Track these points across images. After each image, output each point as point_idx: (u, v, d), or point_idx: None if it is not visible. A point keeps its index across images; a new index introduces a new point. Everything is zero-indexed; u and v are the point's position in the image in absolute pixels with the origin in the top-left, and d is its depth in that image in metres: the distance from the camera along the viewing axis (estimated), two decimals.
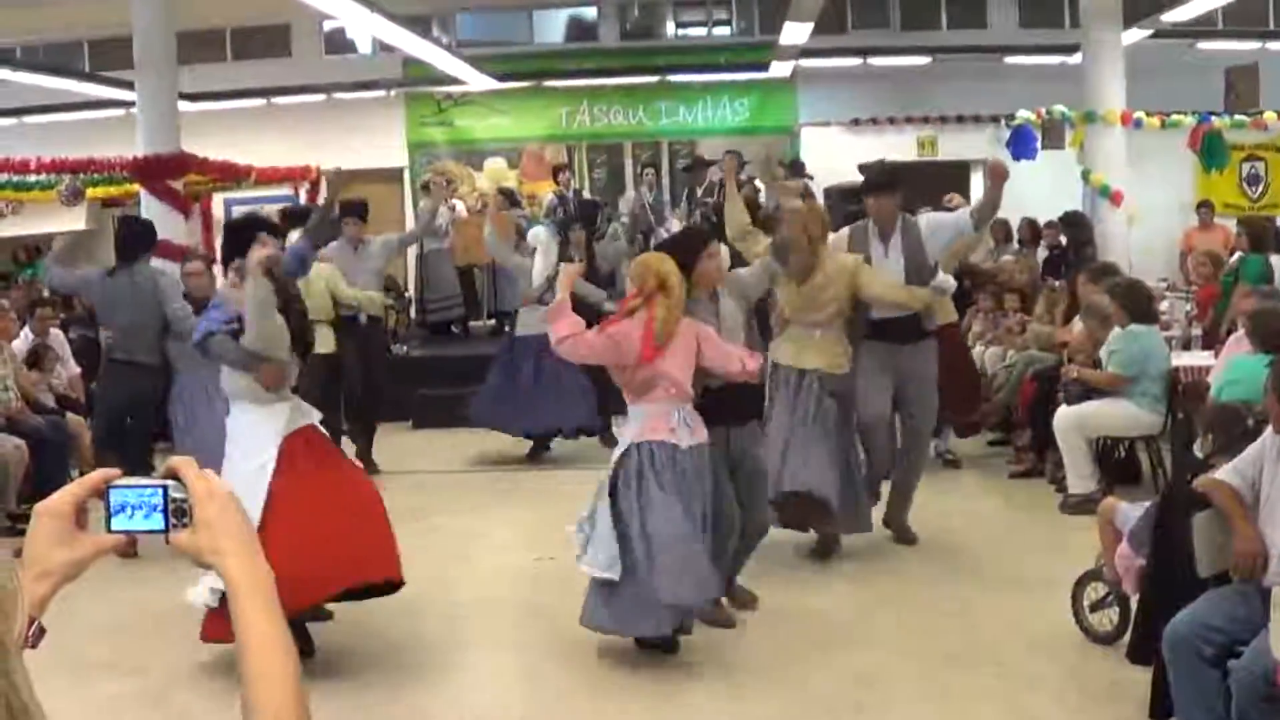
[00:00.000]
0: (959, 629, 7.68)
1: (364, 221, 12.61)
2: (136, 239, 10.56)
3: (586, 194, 20.38)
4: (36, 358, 12.47)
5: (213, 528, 1.78)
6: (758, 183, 15.60)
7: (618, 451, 7.39)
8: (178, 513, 1.79)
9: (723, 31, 23.57)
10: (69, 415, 11.92)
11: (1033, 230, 16.88)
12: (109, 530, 1.80)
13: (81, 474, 10.10)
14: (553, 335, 7.34)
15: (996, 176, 8.79)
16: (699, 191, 17.84)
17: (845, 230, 9.59)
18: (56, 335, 13.13)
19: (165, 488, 1.80)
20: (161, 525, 1.80)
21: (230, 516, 1.80)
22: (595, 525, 7.28)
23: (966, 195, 20.75)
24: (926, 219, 9.58)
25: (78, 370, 13.13)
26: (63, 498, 1.79)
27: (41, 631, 1.66)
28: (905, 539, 9.55)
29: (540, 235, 13.71)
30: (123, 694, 7.14)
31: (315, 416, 7.53)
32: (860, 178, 10.65)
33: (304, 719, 1.72)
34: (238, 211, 20.20)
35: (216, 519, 1.78)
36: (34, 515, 1.79)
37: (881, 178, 9.61)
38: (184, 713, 6.91)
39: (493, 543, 10.21)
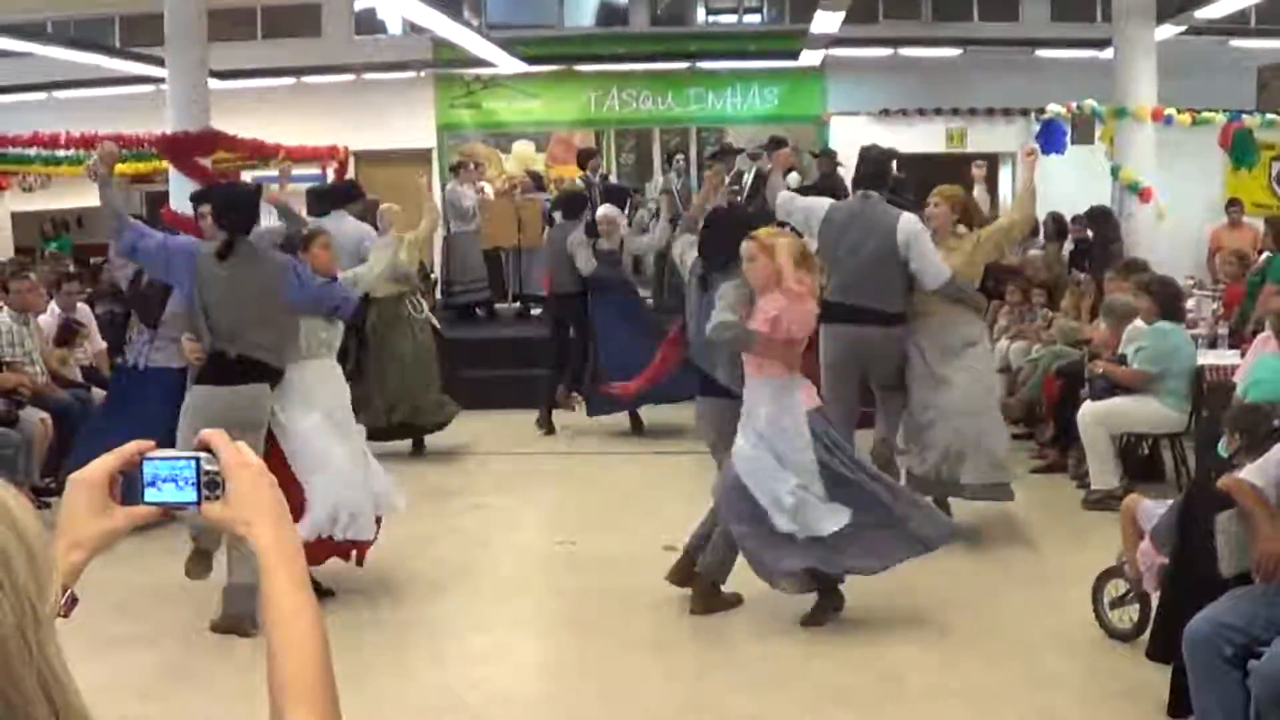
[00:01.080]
0: (979, 623, 7.67)
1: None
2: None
3: (614, 180, 20.39)
4: (70, 334, 12.51)
5: (244, 500, 1.80)
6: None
7: (799, 426, 7.50)
8: (210, 485, 1.81)
9: (753, 19, 23.56)
10: (94, 390, 11.96)
11: (1058, 226, 16.79)
12: (142, 502, 1.81)
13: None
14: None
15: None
16: (726, 179, 17.82)
17: None
18: (83, 310, 13.17)
19: (198, 460, 1.81)
20: (194, 497, 1.81)
21: (261, 489, 1.81)
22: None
23: (995, 189, 20.76)
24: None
25: (103, 345, 13.15)
26: (97, 468, 1.80)
27: (74, 601, 1.68)
28: None
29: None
30: (145, 664, 7.17)
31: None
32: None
33: (331, 690, 1.73)
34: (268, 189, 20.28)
35: (248, 491, 1.80)
36: (69, 484, 1.80)
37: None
38: (207, 683, 6.94)
39: (514, 525, 10.23)
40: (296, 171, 19.47)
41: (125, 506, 1.81)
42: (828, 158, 17.03)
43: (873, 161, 9.75)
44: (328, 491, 7.82)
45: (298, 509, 7.47)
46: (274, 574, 1.76)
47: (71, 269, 16.22)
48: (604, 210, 13.89)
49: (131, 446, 1.83)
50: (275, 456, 7.61)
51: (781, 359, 7.46)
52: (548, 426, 13.66)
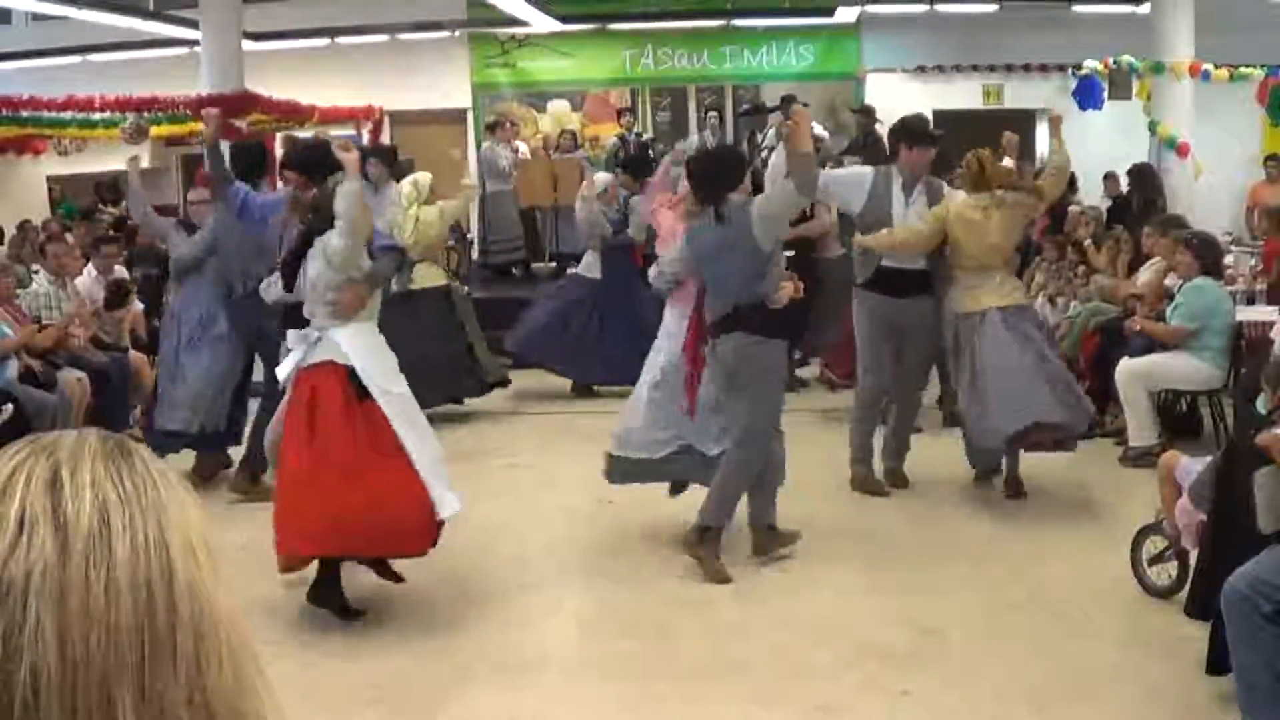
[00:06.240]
0: (1017, 579, 7.68)
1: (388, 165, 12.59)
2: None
3: (646, 138, 20.36)
4: (123, 294, 12.56)
5: None
6: (818, 129, 15.66)
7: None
8: None
9: None
10: (131, 352, 12.00)
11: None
12: None
13: (143, 411, 10.19)
14: None
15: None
16: (759, 137, 17.77)
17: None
18: (120, 272, 13.21)
19: None
20: None
21: None
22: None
23: (1032, 144, 20.65)
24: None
25: (140, 307, 13.21)
26: None
27: None
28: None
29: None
30: None
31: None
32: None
33: None
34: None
35: None
36: None
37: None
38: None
39: (554, 483, 10.24)
40: (332, 133, 19.54)
41: None
42: (866, 114, 16.97)
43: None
44: (433, 461, 7.39)
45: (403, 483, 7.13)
46: None
47: (109, 231, 16.29)
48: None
49: None
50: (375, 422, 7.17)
51: None
52: None
